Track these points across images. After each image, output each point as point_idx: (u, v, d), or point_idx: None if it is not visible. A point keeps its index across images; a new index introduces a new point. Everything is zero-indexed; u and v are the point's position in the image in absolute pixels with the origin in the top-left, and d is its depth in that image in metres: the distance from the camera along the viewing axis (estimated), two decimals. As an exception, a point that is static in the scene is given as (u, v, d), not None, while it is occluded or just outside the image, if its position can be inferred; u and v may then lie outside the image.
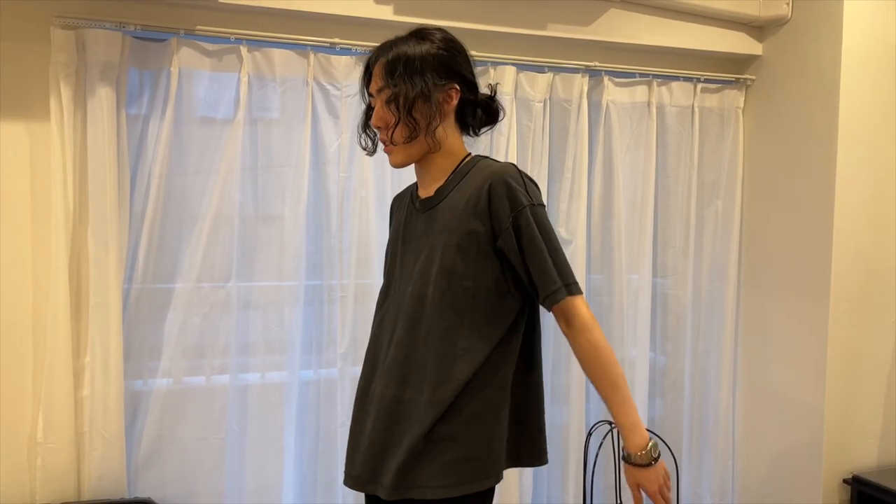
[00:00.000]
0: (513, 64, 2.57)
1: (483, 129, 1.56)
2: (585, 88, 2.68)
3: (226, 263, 2.30)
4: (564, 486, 2.74)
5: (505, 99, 2.54)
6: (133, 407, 2.25)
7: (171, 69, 2.20)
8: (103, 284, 2.13)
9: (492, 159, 1.50)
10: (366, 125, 1.55)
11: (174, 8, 2.22)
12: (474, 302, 1.40)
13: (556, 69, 2.65)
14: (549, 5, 2.57)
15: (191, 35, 2.22)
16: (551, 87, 2.65)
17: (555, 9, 2.58)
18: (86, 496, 2.16)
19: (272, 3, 2.27)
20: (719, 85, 2.90)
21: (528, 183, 1.42)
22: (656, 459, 1.42)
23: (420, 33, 1.46)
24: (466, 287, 1.39)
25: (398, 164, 1.48)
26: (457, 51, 1.47)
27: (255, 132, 2.35)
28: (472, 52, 2.43)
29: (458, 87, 1.45)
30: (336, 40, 2.35)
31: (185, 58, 2.22)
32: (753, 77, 2.91)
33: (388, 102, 1.42)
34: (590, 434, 2.58)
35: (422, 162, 1.49)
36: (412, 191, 1.57)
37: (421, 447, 1.37)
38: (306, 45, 2.33)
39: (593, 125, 2.72)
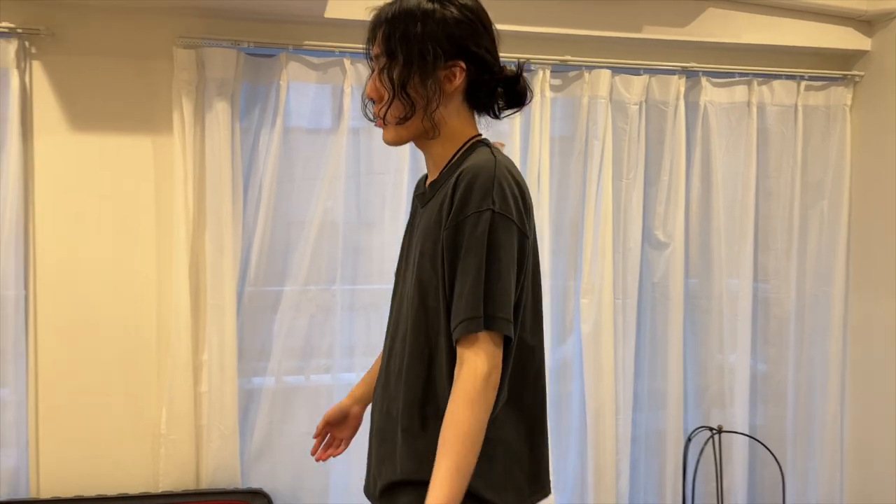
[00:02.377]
0: (608, 67, 2.57)
1: (506, 113, 1.31)
2: (682, 90, 2.65)
3: (331, 267, 2.40)
4: (661, 492, 2.70)
5: (600, 102, 2.55)
6: (245, 402, 2.38)
7: (281, 83, 2.32)
8: (220, 287, 2.27)
9: (488, 148, 1.23)
10: None
11: (284, 25, 2.34)
12: (447, 322, 1.16)
13: (652, 71, 2.63)
14: (644, 7, 2.56)
15: (299, 50, 2.33)
16: (647, 89, 2.63)
17: (650, 11, 2.56)
18: (203, 485, 2.30)
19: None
20: (825, 82, 2.80)
21: (500, 187, 1.14)
22: None
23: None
24: (436, 305, 1.17)
25: (390, 142, 1.27)
26: (470, 21, 1.21)
27: (357, 140, 2.44)
28: (568, 57, 2.53)
29: (463, 66, 1.20)
30: (434, 50, 2.41)
31: (293, 71, 2.34)
32: (862, 73, 2.79)
33: (381, 73, 1.22)
34: (689, 440, 2.54)
35: (420, 146, 1.29)
36: (425, 177, 1.37)
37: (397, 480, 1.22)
38: (405, 55, 2.41)
39: (690, 127, 2.68)
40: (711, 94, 2.68)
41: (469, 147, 1.24)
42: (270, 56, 2.34)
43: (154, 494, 2.25)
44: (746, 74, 2.71)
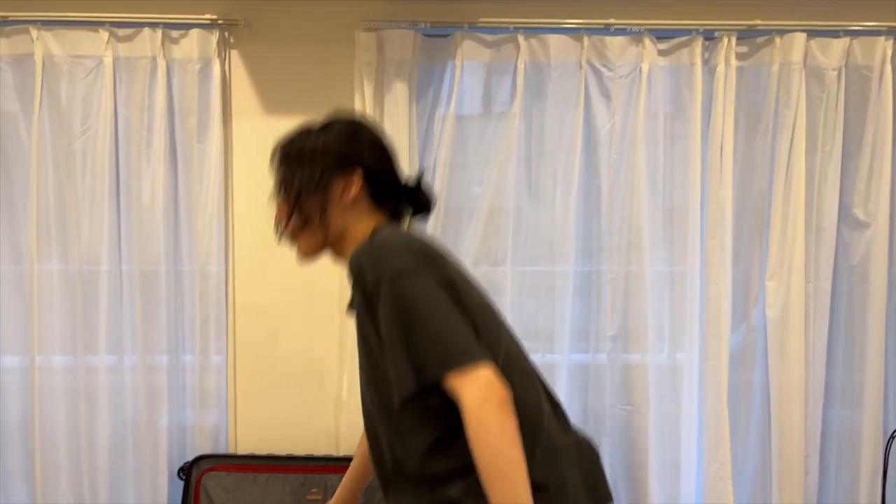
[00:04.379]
0: (802, 30, 2.36)
1: (416, 219, 1.35)
2: (889, 52, 2.38)
3: (501, 247, 2.41)
4: (854, 493, 2.48)
5: (794, 68, 2.35)
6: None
7: (455, 62, 2.34)
8: (397, 262, 2.35)
9: (373, 235, 1.23)
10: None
11: (459, 3, 2.36)
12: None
13: (854, 33, 2.38)
14: (847, -38, 2.32)
15: (473, 28, 2.35)
16: (848, 52, 2.39)
17: (854, -35, 2.33)
18: (381, 453, 2.40)
19: (550, -10, 2.32)
20: None
21: (380, 250, 1.15)
22: None
23: (322, 125, 1.32)
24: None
25: (302, 258, 1.32)
26: (352, 134, 1.29)
27: (530, 120, 2.42)
28: (757, 21, 2.35)
29: (360, 173, 1.26)
30: (611, 21, 2.34)
31: (467, 50, 2.35)
32: None
33: (280, 197, 1.30)
34: (892, 439, 2.31)
35: (336, 253, 1.32)
36: None
37: None
38: (580, 28, 2.35)
39: (899, 93, 2.41)
40: (925, 55, 2.39)
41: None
42: (446, 36, 2.37)
43: (336, 457, 2.38)
44: (969, 31, 2.39)
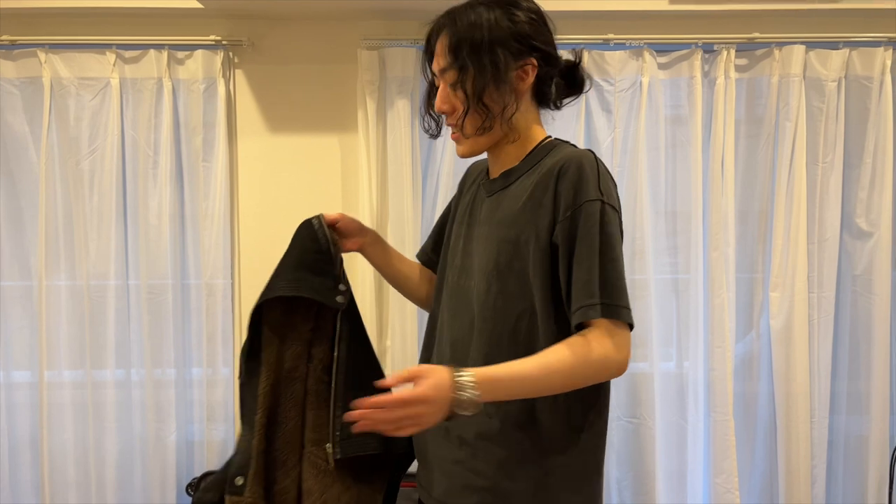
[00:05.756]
0: (801, 42, 2.38)
1: (566, 101, 1.31)
2: (889, 63, 2.39)
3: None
4: (861, 501, 2.47)
5: (793, 80, 2.37)
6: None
7: (457, 78, 2.37)
8: (401, 277, 2.37)
9: (572, 145, 1.27)
10: (429, 105, 1.32)
11: (459, 21, 2.38)
12: (530, 318, 1.18)
13: (853, 44, 2.40)
14: (844, -26, 2.34)
15: (474, 44, 2.37)
16: (847, 63, 2.40)
17: (852, -23, 2.34)
18: (387, 466, 2.41)
19: (548, 7, 2.33)
20: None
21: (605, 177, 1.17)
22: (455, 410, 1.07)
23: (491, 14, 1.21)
24: (519, 290, 1.19)
25: (466, 155, 1.29)
26: (533, 20, 1.23)
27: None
28: (756, 34, 2.37)
29: (535, 62, 1.21)
30: (610, 36, 2.36)
31: (468, 66, 2.38)
32: None
33: (453, 86, 1.21)
34: (898, 449, 2.31)
35: (492, 148, 1.29)
36: (485, 167, 1.36)
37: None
38: (580, 43, 2.37)
39: (899, 103, 2.42)
40: (925, 65, 2.40)
41: (548, 143, 1.26)
42: (447, 52, 2.40)
43: (343, 471, 2.39)
44: (969, 40, 2.40)
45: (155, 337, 2.39)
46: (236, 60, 2.43)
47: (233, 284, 2.44)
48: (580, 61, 1.30)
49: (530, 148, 1.26)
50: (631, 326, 1.14)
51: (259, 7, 2.30)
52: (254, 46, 2.40)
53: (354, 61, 2.35)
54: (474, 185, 1.37)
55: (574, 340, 1.12)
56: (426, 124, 1.34)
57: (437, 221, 1.51)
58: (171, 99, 2.36)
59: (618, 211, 1.17)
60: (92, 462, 2.39)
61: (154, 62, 2.35)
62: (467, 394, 1.04)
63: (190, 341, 2.44)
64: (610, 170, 1.23)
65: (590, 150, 1.20)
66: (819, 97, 2.40)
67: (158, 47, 2.35)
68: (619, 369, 1.13)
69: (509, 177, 1.25)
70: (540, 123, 1.29)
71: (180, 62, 2.37)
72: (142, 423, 2.40)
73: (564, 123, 2.41)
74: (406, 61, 2.34)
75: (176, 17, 2.36)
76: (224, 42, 2.36)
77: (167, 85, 2.35)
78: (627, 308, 1.13)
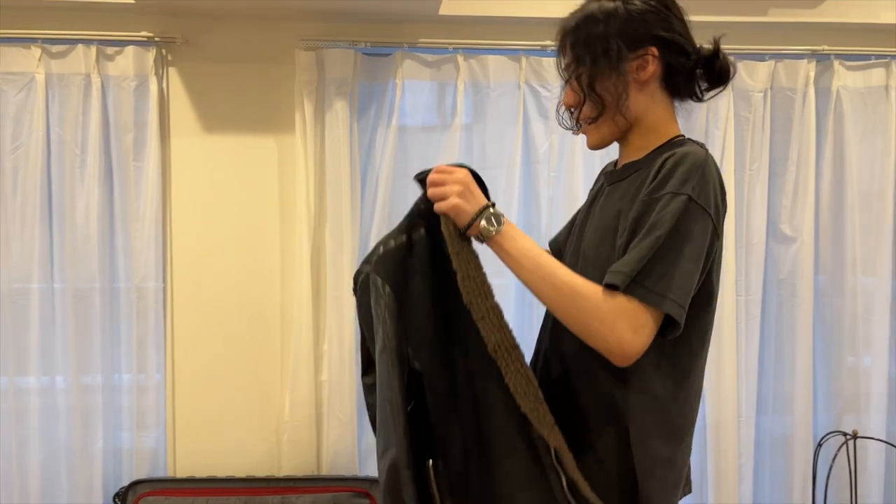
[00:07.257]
0: (730, 53, 2.45)
1: (710, 94, 1.27)
2: (812, 75, 2.50)
3: (444, 261, 2.42)
4: (788, 498, 2.56)
5: (722, 91, 2.44)
6: (362, 392, 2.45)
7: (396, 81, 2.37)
8: (339, 279, 2.35)
9: (700, 144, 1.19)
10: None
11: (399, 24, 2.39)
12: None
13: (779, 56, 2.49)
14: (770, -11, 2.43)
15: (413, 48, 2.38)
16: (773, 75, 2.50)
17: (777, -8, 2.44)
18: (324, 471, 2.39)
19: (487, 12, 2.37)
20: (976, 61, 2.56)
21: (703, 176, 1.09)
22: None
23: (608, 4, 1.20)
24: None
25: (592, 146, 1.29)
26: (655, 8, 1.20)
27: (471, 136, 2.46)
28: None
29: (655, 52, 1.19)
30: (548, 43, 2.39)
31: (408, 70, 2.38)
32: None
33: (569, 80, 1.23)
34: (819, 446, 2.40)
35: (621, 140, 1.27)
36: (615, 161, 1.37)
37: None
38: (518, 49, 2.40)
39: (821, 114, 2.52)
40: (845, 78, 2.51)
41: (678, 141, 1.21)
42: (386, 55, 2.39)
43: (278, 478, 2.35)
44: (884, 56, 2.52)
45: (82, 342, 2.31)
46: (170, 58, 2.37)
47: (164, 288, 2.38)
48: (719, 49, 1.24)
49: (658, 143, 1.22)
50: (670, 323, 1.07)
51: (194, 5, 2.26)
52: (188, 44, 2.35)
53: (292, 62, 2.33)
54: (604, 174, 1.36)
55: (598, 287, 1.09)
56: (565, 122, 1.32)
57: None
58: (101, 96, 2.29)
59: (710, 215, 1.08)
60: (14, 471, 2.30)
61: (82, 58, 2.28)
62: (488, 224, 1.14)
63: (119, 346, 2.37)
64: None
65: (706, 151, 1.14)
66: (746, 107, 2.49)
67: (87, 42, 2.27)
68: (622, 349, 1.06)
69: (628, 169, 1.23)
70: (674, 118, 1.25)
71: (110, 58, 2.30)
72: (67, 431, 2.32)
73: (503, 129, 2.44)
74: (345, 62, 2.33)
75: (106, 11, 2.30)
76: (157, 39, 2.31)
77: (96, 81, 2.28)
78: (677, 303, 1.05)
